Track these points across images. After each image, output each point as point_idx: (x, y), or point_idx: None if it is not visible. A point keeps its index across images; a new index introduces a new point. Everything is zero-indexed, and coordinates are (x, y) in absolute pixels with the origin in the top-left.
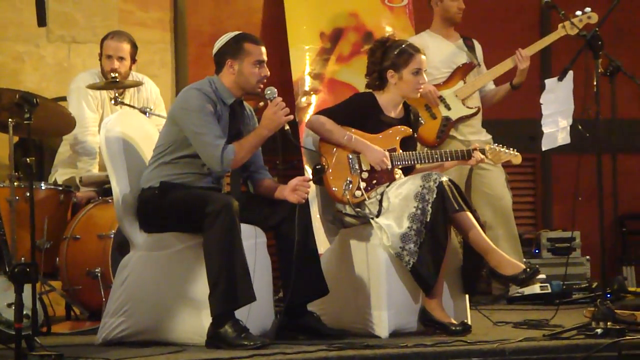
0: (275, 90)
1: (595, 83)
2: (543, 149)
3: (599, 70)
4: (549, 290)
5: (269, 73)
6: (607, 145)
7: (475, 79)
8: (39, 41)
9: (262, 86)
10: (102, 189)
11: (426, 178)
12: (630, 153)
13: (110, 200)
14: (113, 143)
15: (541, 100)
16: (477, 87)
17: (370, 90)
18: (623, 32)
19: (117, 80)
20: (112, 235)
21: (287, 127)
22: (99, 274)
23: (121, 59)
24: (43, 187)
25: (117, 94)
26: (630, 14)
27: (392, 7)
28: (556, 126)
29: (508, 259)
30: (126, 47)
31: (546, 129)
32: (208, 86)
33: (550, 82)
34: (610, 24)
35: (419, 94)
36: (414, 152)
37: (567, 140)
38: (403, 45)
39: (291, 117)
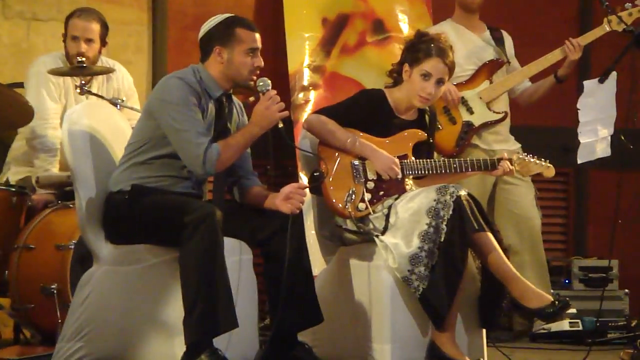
0: (269, 82)
1: None
2: (579, 161)
3: None
4: (580, 328)
5: (262, 63)
6: None
7: (504, 78)
8: None
9: (254, 78)
10: (62, 191)
11: (441, 191)
12: None
13: (71, 205)
14: (77, 138)
15: (578, 105)
16: (506, 87)
17: (380, 88)
18: None
19: (84, 65)
20: (73, 246)
21: (281, 124)
22: (55, 291)
23: (89, 41)
24: None
25: (83, 82)
26: None
27: None
28: (595, 136)
29: (533, 289)
30: (95, 28)
31: (583, 139)
32: (192, 76)
33: (589, 84)
34: None
35: (419, 103)
36: (428, 160)
37: (607, 152)
38: (431, 43)
39: (286, 113)
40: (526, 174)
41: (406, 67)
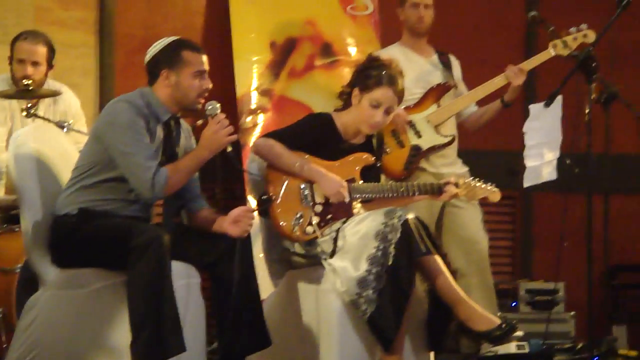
0: (218, 105)
1: (587, 111)
2: (525, 185)
3: (592, 97)
4: (527, 350)
5: (211, 85)
6: (598, 184)
7: (452, 102)
8: None
9: (202, 101)
10: (8, 215)
11: (389, 215)
12: (625, 193)
13: (17, 229)
14: (24, 161)
15: (524, 129)
16: (453, 111)
17: (329, 112)
18: (622, 53)
19: (31, 88)
20: (18, 270)
21: (229, 149)
22: (0, 315)
23: (36, 64)
24: None
25: (29, 105)
26: (630, 32)
27: (355, 15)
28: (541, 159)
29: (481, 312)
30: (42, 50)
31: (529, 162)
32: (139, 99)
33: (535, 108)
34: (607, 43)
35: (367, 130)
36: (376, 183)
37: (553, 176)
38: (383, 70)
39: (235, 137)
40: (472, 198)
41: (356, 91)
